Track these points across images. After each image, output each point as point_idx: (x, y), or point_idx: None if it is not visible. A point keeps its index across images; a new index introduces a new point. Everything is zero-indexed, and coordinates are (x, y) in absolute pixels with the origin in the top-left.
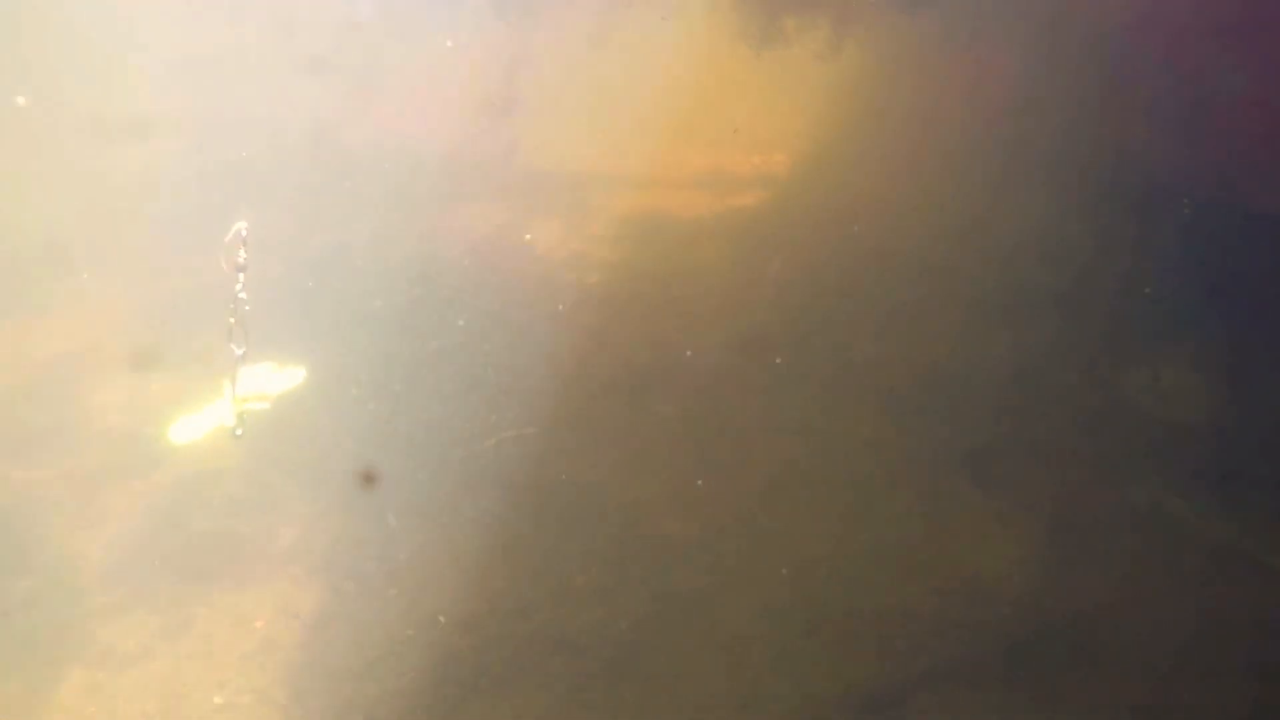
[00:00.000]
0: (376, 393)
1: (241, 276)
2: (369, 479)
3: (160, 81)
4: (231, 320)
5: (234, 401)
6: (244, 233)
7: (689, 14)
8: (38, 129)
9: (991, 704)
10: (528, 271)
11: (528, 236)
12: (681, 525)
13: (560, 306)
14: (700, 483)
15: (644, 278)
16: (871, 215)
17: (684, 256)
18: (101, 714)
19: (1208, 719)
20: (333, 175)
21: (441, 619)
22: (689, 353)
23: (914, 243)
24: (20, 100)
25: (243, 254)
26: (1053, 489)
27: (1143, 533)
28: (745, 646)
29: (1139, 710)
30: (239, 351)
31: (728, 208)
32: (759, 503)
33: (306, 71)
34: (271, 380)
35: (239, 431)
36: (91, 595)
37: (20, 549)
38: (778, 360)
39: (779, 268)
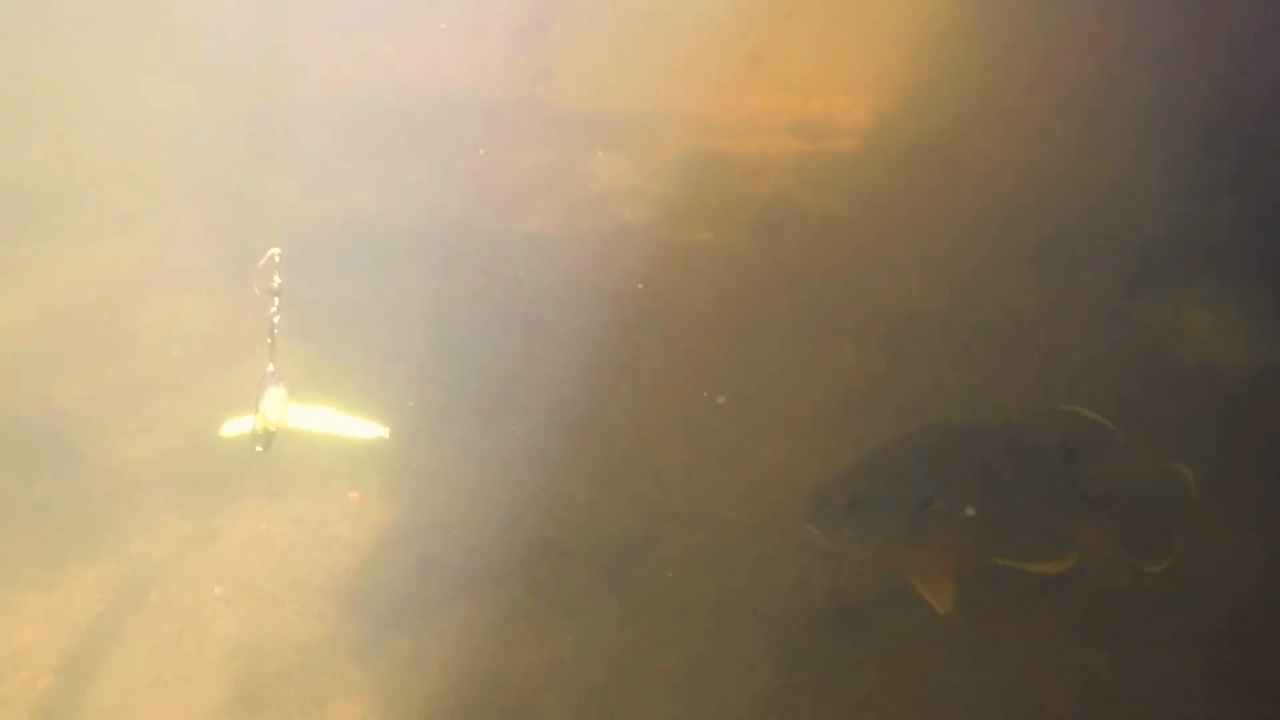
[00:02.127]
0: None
1: (277, 301)
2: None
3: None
4: (269, 340)
5: (259, 419)
6: (277, 258)
7: None
8: None
9: None
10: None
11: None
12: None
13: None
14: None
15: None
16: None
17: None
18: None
19: None
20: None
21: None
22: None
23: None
24: None
25: (277, 279)
26: None
27: None
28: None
29: None
30: (270, 369)
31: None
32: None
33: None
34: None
35: (260, 450)
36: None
37: (71, 454)
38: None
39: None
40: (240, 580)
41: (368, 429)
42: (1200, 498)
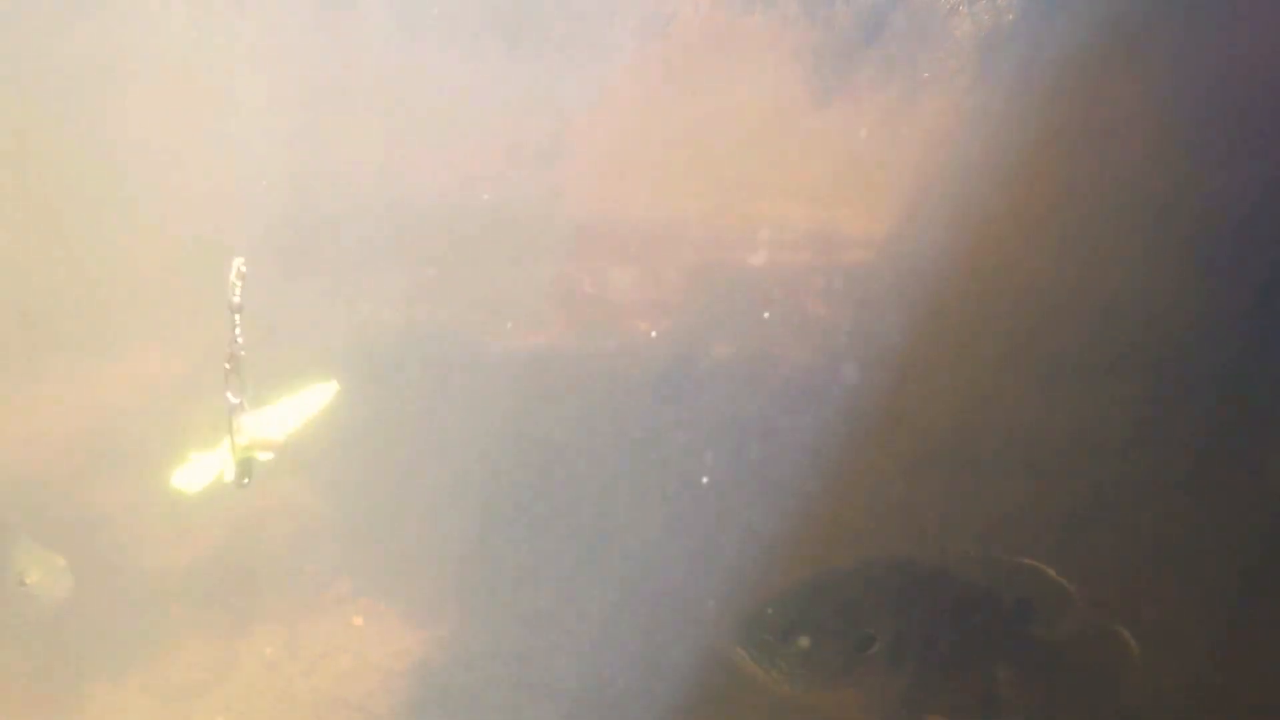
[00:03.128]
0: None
1: (238, 318)
2: None
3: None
4: (226, 365)
5: (234, 452)
6: (242, 268)
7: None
8: None
9: None
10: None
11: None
12: None
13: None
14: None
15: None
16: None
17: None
18: None
19: None
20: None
21: None
22: None
23: (998, 314)
24: None
25: (238, 292)
26: None
27: None
28: None
29: None
30: (234, 400)
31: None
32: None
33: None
34: (277, 426)
35: (246, 481)
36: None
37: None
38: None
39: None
40: (244, 710)
41: (321, 393)
42: (1141, 659)
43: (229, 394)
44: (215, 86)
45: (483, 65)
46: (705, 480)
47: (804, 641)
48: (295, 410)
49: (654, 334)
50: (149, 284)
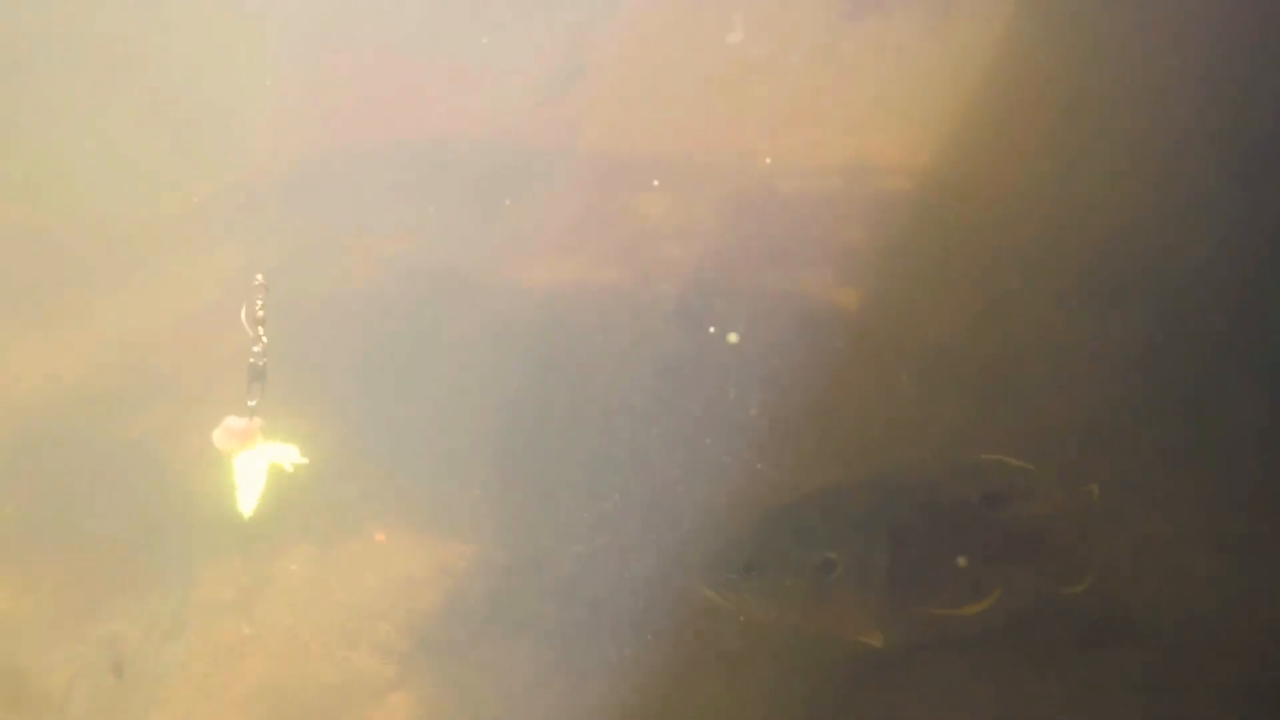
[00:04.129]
0: None
1: (261, 330)
2: None
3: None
4: (252, 376)
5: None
6: (260, 282)
7: None
8: None
9: None
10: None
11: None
12: None
13: None
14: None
15: None
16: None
17: None
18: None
19: None
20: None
21: None
22: None
23: (1034, 235)
24: None
25: (260, 306)
26: None
27: None
28: None
29: None
30: (251, 404)
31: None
32: None
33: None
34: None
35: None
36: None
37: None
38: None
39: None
40: (269, 622)
41: (248, 502)
42: (1107, 513)
43: (249, 401)
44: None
45: None
46: (728, 404)
47: (765, 574)
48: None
49: (680, 261)
50: (174, 218)
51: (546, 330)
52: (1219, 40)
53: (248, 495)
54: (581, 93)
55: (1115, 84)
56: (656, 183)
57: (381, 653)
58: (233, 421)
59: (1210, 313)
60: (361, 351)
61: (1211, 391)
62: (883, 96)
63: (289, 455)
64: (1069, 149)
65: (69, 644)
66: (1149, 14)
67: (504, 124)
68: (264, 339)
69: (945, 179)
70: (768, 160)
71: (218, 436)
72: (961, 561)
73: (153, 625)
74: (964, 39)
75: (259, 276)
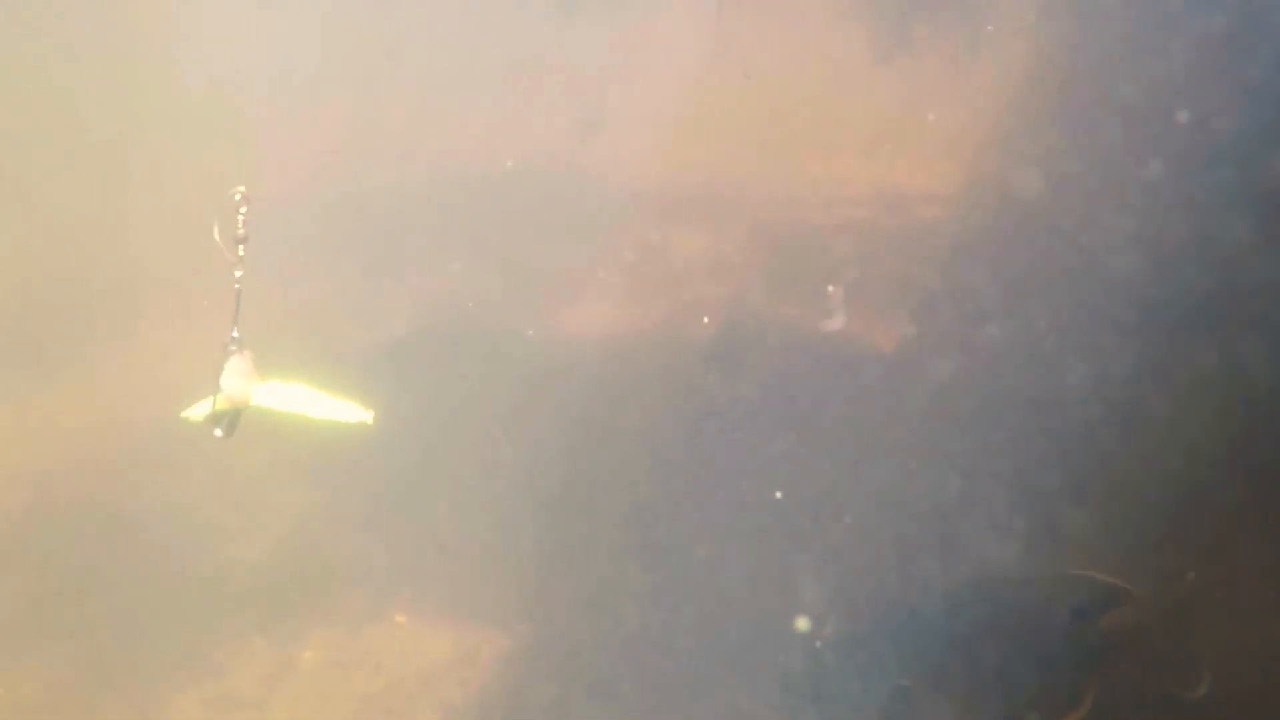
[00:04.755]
0: None
1: (241, 250)
2: None
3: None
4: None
5: (218, 397)
6: (240, 197)
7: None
8: None
9: None
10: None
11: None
12: None
13: None
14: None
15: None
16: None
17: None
18: None
19: None
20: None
21: None
22: None
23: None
24: None
25: (241, 224)
26: None
27: None
28: None
29: None
30: (234, 334)
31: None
32: None
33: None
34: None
35: (218, 433)
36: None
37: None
38: None
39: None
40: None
41: (348, 412)
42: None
43: (233, 330)
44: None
45: (533, 28)
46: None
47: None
48: (305, 399)
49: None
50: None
51: (581, 385)
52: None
53: (337, 408)
54: (613, 132)
55: (1141, 114)
56: (688, 219)
57: None
58: (235, 363)
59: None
60: (392, 403)
61: None
62: (910, 129)
63: (297, 388)
64: (1094, 179)
65: None
66: (1163, 53)
67: (534, 163)
68: (243, 258)
69: (970, 207)
70: (797, 193)
71: (228, 383)
72: (1056, 673)
73: None
74: (988, 77)
75: (240, 189)
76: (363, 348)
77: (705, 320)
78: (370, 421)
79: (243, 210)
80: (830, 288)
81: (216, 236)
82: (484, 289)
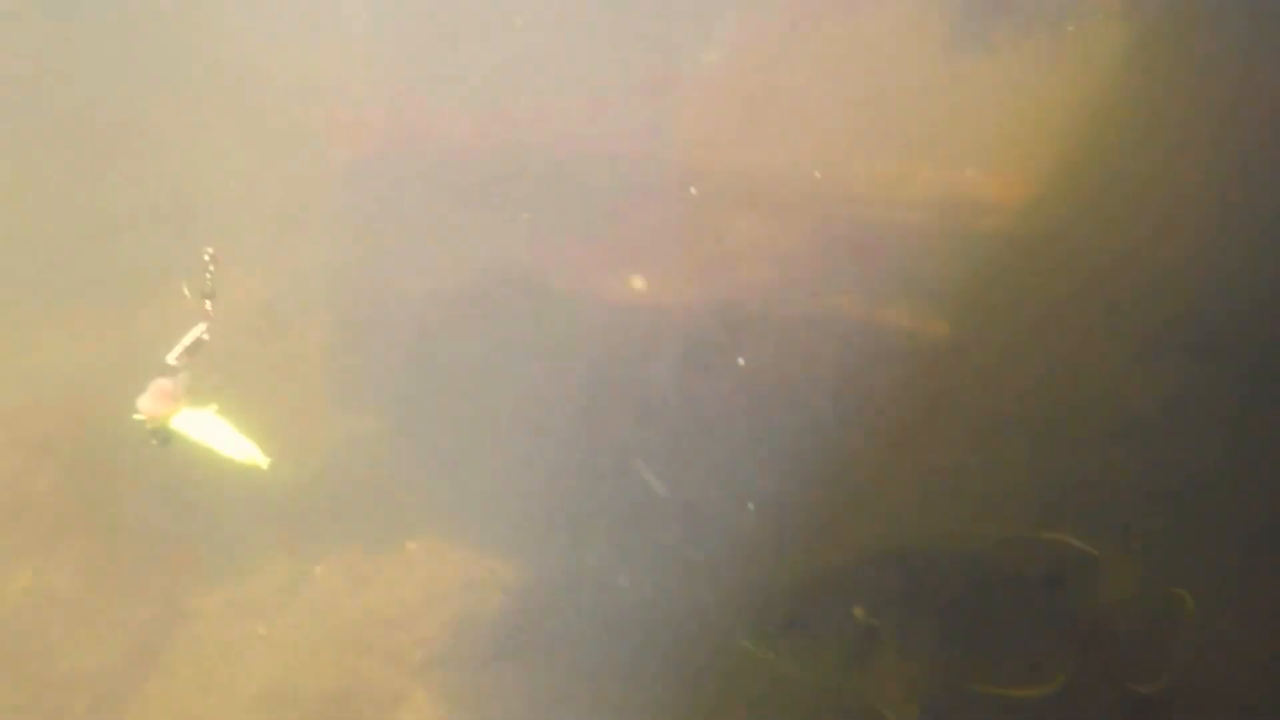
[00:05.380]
0: None
1: (208, 304)
2: None
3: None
4: (194, 336)
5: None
6: (209, 258)
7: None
8: None
9: None
10: None
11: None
12: None
13: None
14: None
15: None
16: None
17: None
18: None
19: None
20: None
21: None
22: None
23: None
24: None
25: (210, 279)
26: None
27: None
28: None
29: None
30: (173, 362)
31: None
32: None
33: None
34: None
35: (154, 443)
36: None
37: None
38: None
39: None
40: (287, 623)
41: (247, 452)
42: (1199, 621)
43: (171, 357)
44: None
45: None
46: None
47: (805, 632)
48: (215, 434)
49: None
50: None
51: (612, 345)
52: None
53: (240, 447)
54: (672, 105)
55: (1227, 128)
56: (750, 203)
57: (393, 663)
58: (161, 382)
59: None
60: (427, 351)
61: None
62: (982, 132)
63: (208, 418)
64: (1171, 195)
65: (98, 626)
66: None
67: (592, 131)
68: (210, 312)
69: (1037, 222)
70: (861, 189)
71: (143, 402)
72: (1027, 641)
73: (178, 615)
74: (1071, 76)
75: (209, 250)
76: (424, 295)
77: (753, 301)
78: (265, 467)
79: (211, 270)
80: (879, 284)
81: (186, 292)
82: (541, 249)
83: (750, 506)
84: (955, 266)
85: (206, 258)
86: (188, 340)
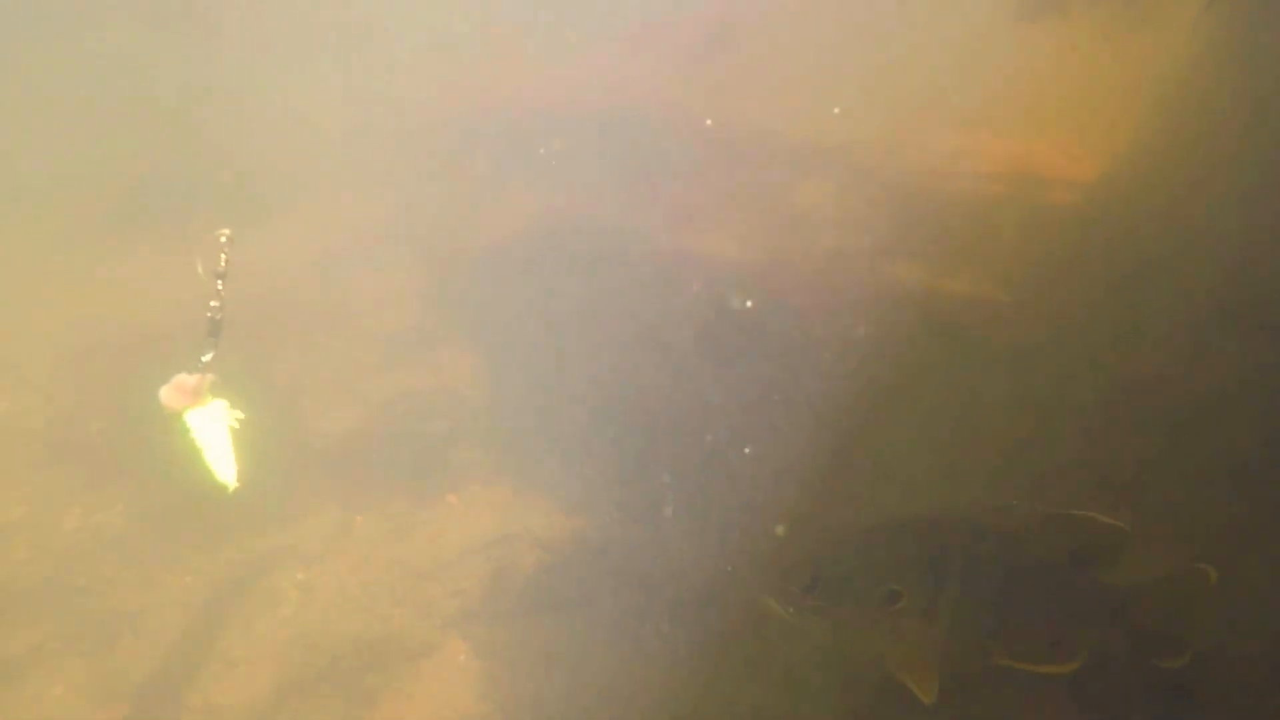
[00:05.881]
0: None
1: (220, 284)
2: None
3: None
4: (209, 325)
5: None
6: (224, 239)
7: None
8: None
9: None
10: None
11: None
12: None
13: None
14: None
15: None
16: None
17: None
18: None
19: None
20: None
21: None
22: None
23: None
24: None
25: (224, 261)
26: None
27: None
28: None
29: None
30: (205, 359)
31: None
32: None
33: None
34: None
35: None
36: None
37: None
38: None
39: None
40: (326, 570)
41: (223, 469)
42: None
43: (205, 356)
44: None
45: None
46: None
47: (828, 594)
48: (211, 441)
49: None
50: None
51: (665, 304)
52: None
53: (223, 463)
54: (735, 65)
55: None
56: (818, 170)
57: (425, 614)
58: (183, 378)
59: None
60: (485, 303)
61: None
62: (1051, 103)
63: (233, 414)
64: (1248, 169)
65: (146, 566)
66: None
67: (659, 90)
68: (222, 293)
69: (1107, 196)
70: (928, 159)
71: (165, 394)
72: (1052, 617)
73: (222, 560)
74: (1143, 46)
75: (225, 231)
76: (475, 251)
77: (812, 265)
78: (230, 490)
79: (226, 251)
80: (940, 253)
81: (200, 271)
82: (609, 205)
83: (783, 468)
84: (1017, 238)
85: (222, 239)
86: (209, 331)
